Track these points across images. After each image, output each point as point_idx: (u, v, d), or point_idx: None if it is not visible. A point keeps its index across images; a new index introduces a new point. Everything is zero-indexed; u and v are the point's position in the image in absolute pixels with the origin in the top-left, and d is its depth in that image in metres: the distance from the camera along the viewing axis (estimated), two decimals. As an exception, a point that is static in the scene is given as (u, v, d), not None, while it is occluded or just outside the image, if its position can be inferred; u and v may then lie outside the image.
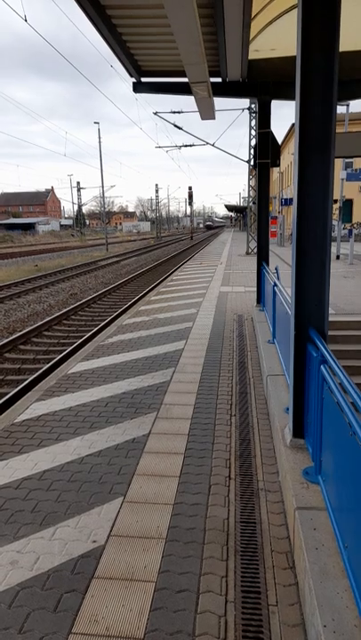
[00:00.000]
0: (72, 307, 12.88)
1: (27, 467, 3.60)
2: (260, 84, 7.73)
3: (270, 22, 6.86)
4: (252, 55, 7.21)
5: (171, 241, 53.13)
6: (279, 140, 8.45)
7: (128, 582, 2.44)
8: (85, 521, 2.94)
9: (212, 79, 7.21)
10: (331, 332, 3.74)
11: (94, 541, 2.75)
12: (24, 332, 9.97)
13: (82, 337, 9.74)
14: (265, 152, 8.09)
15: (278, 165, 8.36)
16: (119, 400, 4.94)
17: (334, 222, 19.42)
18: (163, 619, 2.20)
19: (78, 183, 55.96)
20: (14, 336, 9.63)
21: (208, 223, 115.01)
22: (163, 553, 2.64)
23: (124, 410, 4.68)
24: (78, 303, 13.51)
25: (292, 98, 3.13)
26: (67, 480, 3.41)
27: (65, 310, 12.36)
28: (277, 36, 7.00)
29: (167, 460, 3.68)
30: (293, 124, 3.15)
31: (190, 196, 50.02)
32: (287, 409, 3.80)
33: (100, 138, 36.45)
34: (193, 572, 2.49)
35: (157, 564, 2.56)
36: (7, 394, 6.43)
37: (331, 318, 3.91)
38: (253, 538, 2.75)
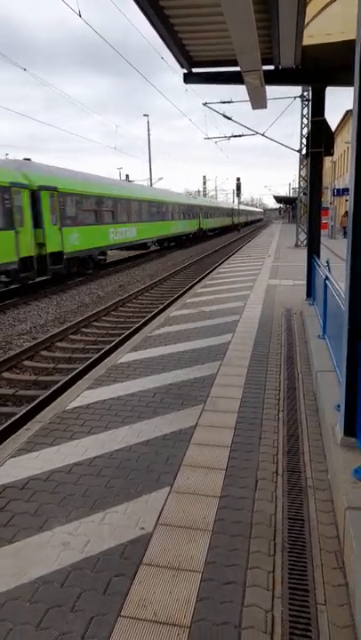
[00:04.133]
0: (120, 298, 13.12)
1: (77, 452, 3.73)
2: (315, 70, 7.48)
3: (326, 6, 6.60)
4: (306, 41, 6.97)
5: (217, 233, 52.75)
6: (332, 127, 8.16)
7: (175, 571, 2.47)
8: (133, 508, 3.00)
9: (265, 67, 7.05)
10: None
11: (142, 528, 2.81)
12: (74, 322, 10.27)
13: (130, 328, 9.91)
14: (318, 141, 7.84)
15: (332, 154, 8.09)
16: (166, 391, 4.99)
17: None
18: (209, 609, 2.22)
19: (127, 176, 56.61)
20: (65, 326, 9.95)
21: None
22: (209, 544, 2.66)
23: (171, 401, 4.72)
24: (126, 295, 13.74)
25: (349, 84, 3.01)
26: (115, 467, 3.50)
27: (113, 302, 12.61)
28: (334, 21, 6.73)
29: (214, 452, 3.69)
30: (348, 111, 3.03)
31: (238, 187, 49.43)
32: (338, 406, 3.69)
33: (149, 130, 36.69)
34: (240, 565, 2.49)
35: (204, 555, 2.58)
36: (59, 381, 6.66)
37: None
38: (301, 535, 2.71)
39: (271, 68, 7.62)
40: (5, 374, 7.30)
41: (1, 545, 2.70)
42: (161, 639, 2.08)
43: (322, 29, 7.03)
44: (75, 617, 2.21)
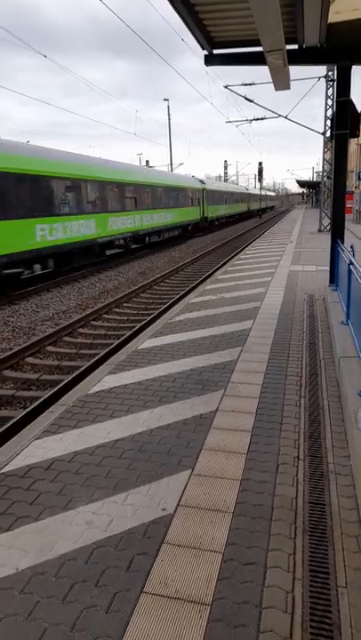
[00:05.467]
0: (141, 285, 13.16)
1: (100, 435, 3.79)
2: (341, 48, 7.25)
3: (354, -21, 6.36)
4: (332, 18, 6.74)
5: (238, 218, 52.19)
6: (358, 109, 7.92)
7: (196, 551, 2.51)
8: (155, 489, 3.05)
9: (288, 46, 6.86)
10: None
11: (164, 509, 2.86)
12: (96, 308, 10.37)
13: (150, 314, 9.95)
14: (343, 122, 7.63)
15: (358, 136, 7.87)
16: (187, 376, 5.01)
17: None
18: (230, 588, 2.26)
19: (147, 162, 56.29)
20: (87, 312, 10.06)
21: None
22: (230, 526, 2.69)
23: (191, 386, 4.75)
24: (147, 281, 13.77)
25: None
26: (137, 450, 3.55)
27: (134, 288, 12.66)
28: (361, -6, 6.49)
29: (234, 436, 3.70)
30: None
31: (260, 171, 48.64)
32: (361, 392, 3.66)
33: (169, 115, 36.30)
34: (260, 546, 2.52)
35: (225, 536, 2.61)
36: (81, 366, 6.76)
37: None
38: (323, 519, 2.72)
39: (295, 47, 7.41)
40: (29, 359, 7.44)
41: (27, 522, 2.78)
42: (183, 616, 2.12)
43: (349, 5, 6.79)
44: (99, 592, 2.27)
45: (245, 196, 52.51)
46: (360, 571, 2.35)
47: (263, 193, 66.62)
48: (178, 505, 2.90)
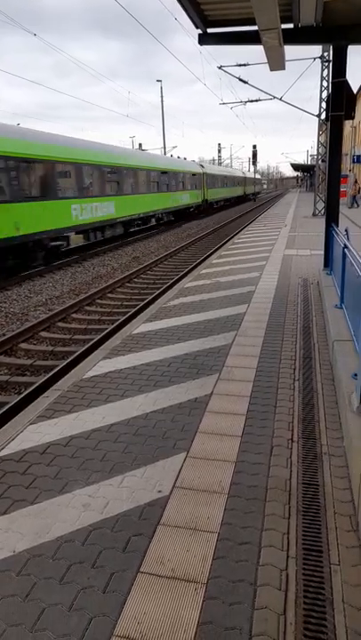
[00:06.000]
0: (134, 270, 13.10)
1: (96, 419, 3.80)
2: (337, 27, 7.13)
3: None
4: (328, -5, 6.62)
5: (233, 203, 51.79)
6: (354, 90, 7.84)
7: (192, 531, 2.55)
8: (151, 472, 3.08)
9: (283, 25, 6.73)
10: None
11: (159, 491, 2.89)
12: (89, 293, 10.32)
13: (145, 299, 9.93)
14: (339, 103, 7.54)
15: (353, 118, 7.79)
16: (181, 361, 5.02)
17: None
18: (225, 567, 2.29)
19: (140, 145, 55.49)
20: (80, 298, 10.01)
21: None
22: (225, 507, 2.72)
23: (186, 370, 4.76)
24: (140, 266, 13.70)
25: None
26: (133, 434, 3.57)
27: (128, 273, 12.59)
28: (358, -29, 6.36)
29: (229, 420, 3.73)
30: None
31: (254, 154, 48.20)
32: (355, 375, 3.69)
33: (162, 97, 35.70)
34: (255, 526, 2.55)
35: (220, 517, 2.64)
36: (76, 352, 6.75)
37: None
38: (316, 499, 2.75)
39: (290, 26, 7.28)
40: (23, 345, 7.42)
41: (23, 506, 2.80)
42: (179, 594, 2.16)
43: (345, -18, 6.65)
44: (96, 573, 2.30)
45: (186, 178, 27.98)
46: (353, 549, 2.40)
47: (233, 174, 46.07)
48: (173, 487, 2.93)
